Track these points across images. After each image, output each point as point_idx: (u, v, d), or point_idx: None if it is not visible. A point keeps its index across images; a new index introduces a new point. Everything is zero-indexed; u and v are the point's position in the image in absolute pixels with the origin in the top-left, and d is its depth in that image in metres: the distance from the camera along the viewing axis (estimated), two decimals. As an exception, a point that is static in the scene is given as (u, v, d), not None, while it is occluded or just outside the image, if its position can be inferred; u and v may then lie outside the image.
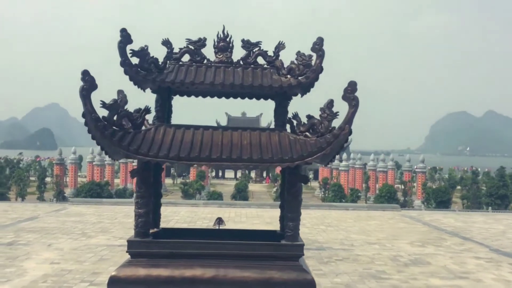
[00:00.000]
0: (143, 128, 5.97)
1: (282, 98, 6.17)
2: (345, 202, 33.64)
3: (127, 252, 5.87)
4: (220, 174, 79.73)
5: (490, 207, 36.57)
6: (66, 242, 13.21)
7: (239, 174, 74.01)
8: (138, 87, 6.13)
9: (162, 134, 5.83)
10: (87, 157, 50.56)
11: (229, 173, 79.81)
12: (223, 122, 79.64)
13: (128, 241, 5.83)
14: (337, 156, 53.54)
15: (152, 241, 5.86)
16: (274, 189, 49.85)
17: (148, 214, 5.87)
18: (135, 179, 6.13)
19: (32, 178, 52.52)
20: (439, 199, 36.14)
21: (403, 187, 46.77)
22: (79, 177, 49.41)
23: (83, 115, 5.47)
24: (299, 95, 6.42)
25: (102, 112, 5.70)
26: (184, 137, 5.81)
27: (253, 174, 77.74)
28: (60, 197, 36.94)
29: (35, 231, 14.73)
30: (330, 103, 5.94)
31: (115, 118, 5.68)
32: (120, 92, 6.04)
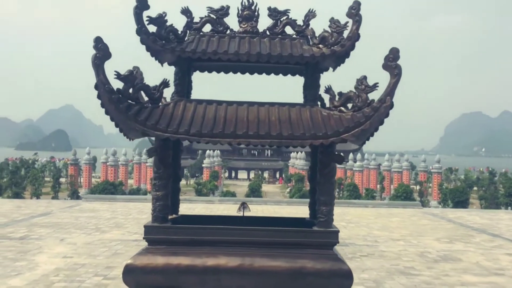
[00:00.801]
0: (161, 103, 5.45)
1: (313, 70, 5.60)
2: (363, 201, 32.84)
3: (143, 238, 5.37)
4: (233, 175, 79.40)
5: (509, 207, 35.56)
6: (79, 236, 12.81)
7: (252, 175, 73.53)
8: (156, 58, 5.63)
9: (182, 110, 5.31)
10: (101, 158, 50.62)
11: (242, 174, 79.45)
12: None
13: (145, 227, 5.32)
14: (351, 156, 52.86)
15: (171, 226, 5.34)
16: (288, 190, 49.26)
17: (166, 197, 5.35)
18: (152, 166, 5.63)
19: (46, 179, 52.60)
20: (456, 199, 35.33)
21: (419, 187, 45.81)
22: (93, 177, 49.42)
23: (96, 87, 4.98)
24: (331, 69, 5.86)
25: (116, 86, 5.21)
26: (206, 112, 5.29)
27: (266, 175, 77.23)
28: (74, 196, 36.84)
29: (48, 226, 14.37)
30: (365, 78, 5.37)
31: (130, 91, 5.18)
32: (135, 68, 5.54)
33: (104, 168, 49.24)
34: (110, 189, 33.81)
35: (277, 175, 78.72)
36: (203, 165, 52.40)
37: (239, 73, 6.20)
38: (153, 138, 5.42)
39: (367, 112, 5.04)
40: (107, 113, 5.04)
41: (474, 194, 48.44)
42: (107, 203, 20.99)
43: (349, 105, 5.49)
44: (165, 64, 5.89)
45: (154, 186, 5.34)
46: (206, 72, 6.15)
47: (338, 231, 5.33)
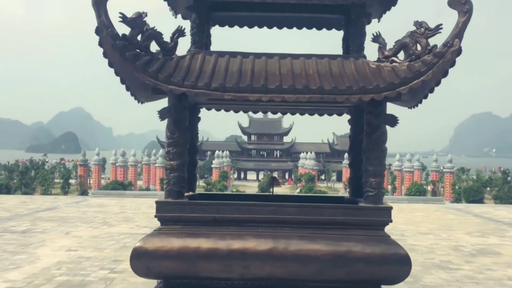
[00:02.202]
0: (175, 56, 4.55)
1: (358, 15, 4.68)
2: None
3: (155, 217, 4.49)
4: (242, 176, 78.55)
5: (525, 207, 34.41)
6: (85, 230, 12.00)
7: (261, 176, 72.62)
8: (169, 3, 4.76)
9: (201, 62, 4.43)
10: (110, 159, 49.97)
11: (251, 175, 78.54)
12: (245, 124, 78.79)
13: (157, 203, 4.43)
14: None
15: (188, 202, 4.44)
16: (297, 190, 48.31)
17: (183, 167, 4.45)
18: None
19: (56, 180, 52.11)
20: (471, 199, 34.28)
21: (431, 187, 44.68)
22: (103, 179, 48.76)
23: (97, 31, 4.11)
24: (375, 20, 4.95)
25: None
26: (229, 65, 4.40)
27: (275, 175, 76.26)
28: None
29: (53, 220, 13.58)
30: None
31: (139, 38, 4.30)
32: (143, 13, 4.54)
33: (114, 169, 48.59)
34: (119, 188, 33.12)
35: (286, 176, 77.69)
36: (212, 166, 51.68)
37: (264, 28, 5.28)
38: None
39: (428, 60, 4.11)
40: (110, 64, 4.16)
41: (487, 194, 47.45)
42: (116, 198, 20.20)
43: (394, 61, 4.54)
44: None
45: (168, 154, 4.44)
46: (226, 26, 5.26)
47: (391, 208, 4.41)
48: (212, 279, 4.28)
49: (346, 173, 48.74)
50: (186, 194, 4.81)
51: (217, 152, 53.74)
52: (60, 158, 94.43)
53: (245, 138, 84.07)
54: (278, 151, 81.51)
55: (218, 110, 5.35)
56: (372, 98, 4.13)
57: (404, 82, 4.09)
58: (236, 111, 5.37)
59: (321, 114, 5.35)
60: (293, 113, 5.38)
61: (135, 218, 14.40)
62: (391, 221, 4.38)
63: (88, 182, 46.96)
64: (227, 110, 5.32)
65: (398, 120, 4.35)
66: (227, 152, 60.17)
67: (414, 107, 4.68)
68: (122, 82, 4.30)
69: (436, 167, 47.04)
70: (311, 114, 5.32)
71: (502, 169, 63.07)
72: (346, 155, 55.15)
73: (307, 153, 58.12)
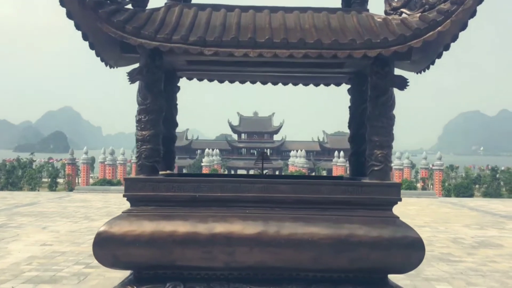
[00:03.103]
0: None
1: (360, -39, 4.08)
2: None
3: (124, 196, 3.86)
4: (232, 173, 77.92)
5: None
6: (64, 225, 11.30)
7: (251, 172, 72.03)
8: None
9: (178, 15, 3.78)
10: (99, 157, 49.13)
11: (242, 173, 77.88)
12: (235, 122, 78.04)
13: (126, 180, 3.79)
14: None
15: (163, 179, 3.78)
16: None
17: (156, 138, 3.79)
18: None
19: (44, 179, 51.02)
20: (461, 195, 34.19)
21: (421, 183, 44.52)
22: (91, 178, 47.88)
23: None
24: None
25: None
26: (211, 19, 3.76)
27: (265, 172, 75.56)
28: (70, 194, 35.24)
29: (31, 215, 12.85)
30: None
31: (103, -16, 3.64)
32: None
33: (102, 168, 47.77)
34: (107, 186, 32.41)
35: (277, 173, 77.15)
36: (202, 164, 50.98)
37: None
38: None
39: (445, 8, 3.51)
40: (69, 14, 3.49)
41: (476, 191, 47.47)
42: (101, 194, 19.44)
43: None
44: None
45: (139, 123, 3.78)
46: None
47: (400, 184, 3.80)
48: (191, 268, 3.64)
49: (336, 171, 48.32)
50: (162, 172, 4.18)
51: (207, 150, 53.05)
52: (48, 157, 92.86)
53: (235, 136, 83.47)
54: (268, 150, 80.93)
55: (200, 79, 4.70)
56: (379, 54, 3.51)
57: (417, 34, 3.48)
58: (221, 81, 4.71)
59: (316, 84, 4.73)
60: (285, 83, 4.75)
61: (119, 213, 13.61)
62: (400, 199, 3.76)
63: (77, 181, 46.06)
64: (210, 80, 4.68)
65: (408, 82, 3.74)
66: (217, 150, 59.54)
67: (422, 71, 4.09)
68: (85, 37, 3.64)
69: (426, 165, 46.90)
70: (306, 84, 4.70)
71: (490, 167, 63.29)
72: (336, 153, 54.88)
73: (297, 151, 57.62)
